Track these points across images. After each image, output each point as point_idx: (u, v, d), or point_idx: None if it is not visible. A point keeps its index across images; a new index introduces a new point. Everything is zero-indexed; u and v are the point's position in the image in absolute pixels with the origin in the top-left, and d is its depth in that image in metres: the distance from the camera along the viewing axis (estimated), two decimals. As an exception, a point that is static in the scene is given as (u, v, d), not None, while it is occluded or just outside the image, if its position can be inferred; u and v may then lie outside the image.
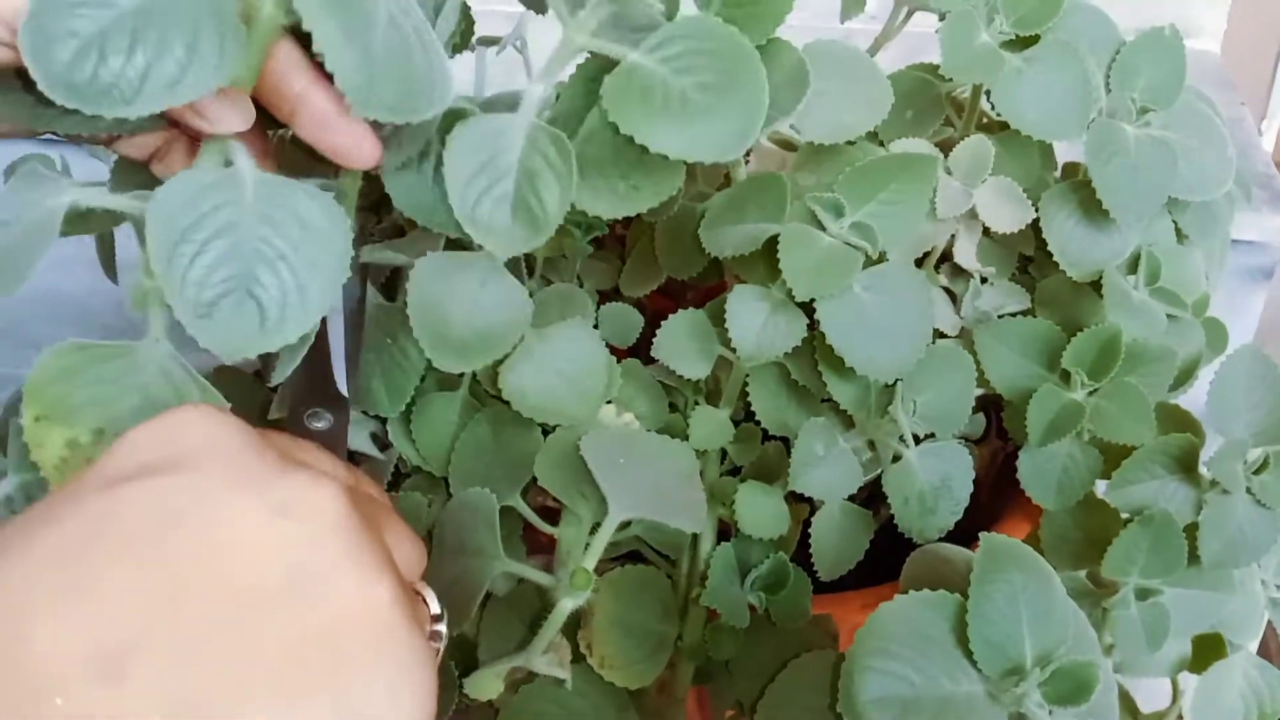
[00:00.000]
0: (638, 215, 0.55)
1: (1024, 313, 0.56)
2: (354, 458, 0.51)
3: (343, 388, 0.44)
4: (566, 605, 0.42)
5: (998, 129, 0.55)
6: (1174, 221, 0.57)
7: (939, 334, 0.55)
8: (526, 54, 0.64)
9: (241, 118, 0.35)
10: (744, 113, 0.36)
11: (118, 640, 0.26)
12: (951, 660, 0.41)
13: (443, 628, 0.35)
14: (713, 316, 0.49)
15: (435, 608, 0.35)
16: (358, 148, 0.36)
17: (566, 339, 0.47)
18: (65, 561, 0.27)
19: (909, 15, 0.62)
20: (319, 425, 0.44)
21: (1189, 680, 0.58)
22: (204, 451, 0.30)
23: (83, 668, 0.26)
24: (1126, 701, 0.62)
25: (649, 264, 0.57)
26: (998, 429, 0.59)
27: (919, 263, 0.53)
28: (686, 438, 0.51)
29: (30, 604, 0.26)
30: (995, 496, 0.59)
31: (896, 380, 0.47)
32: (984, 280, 0.55)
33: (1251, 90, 0.86)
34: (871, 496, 0.52)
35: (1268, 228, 0.73)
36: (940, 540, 0.52)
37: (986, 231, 0.53)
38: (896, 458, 0.49)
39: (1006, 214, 0.51)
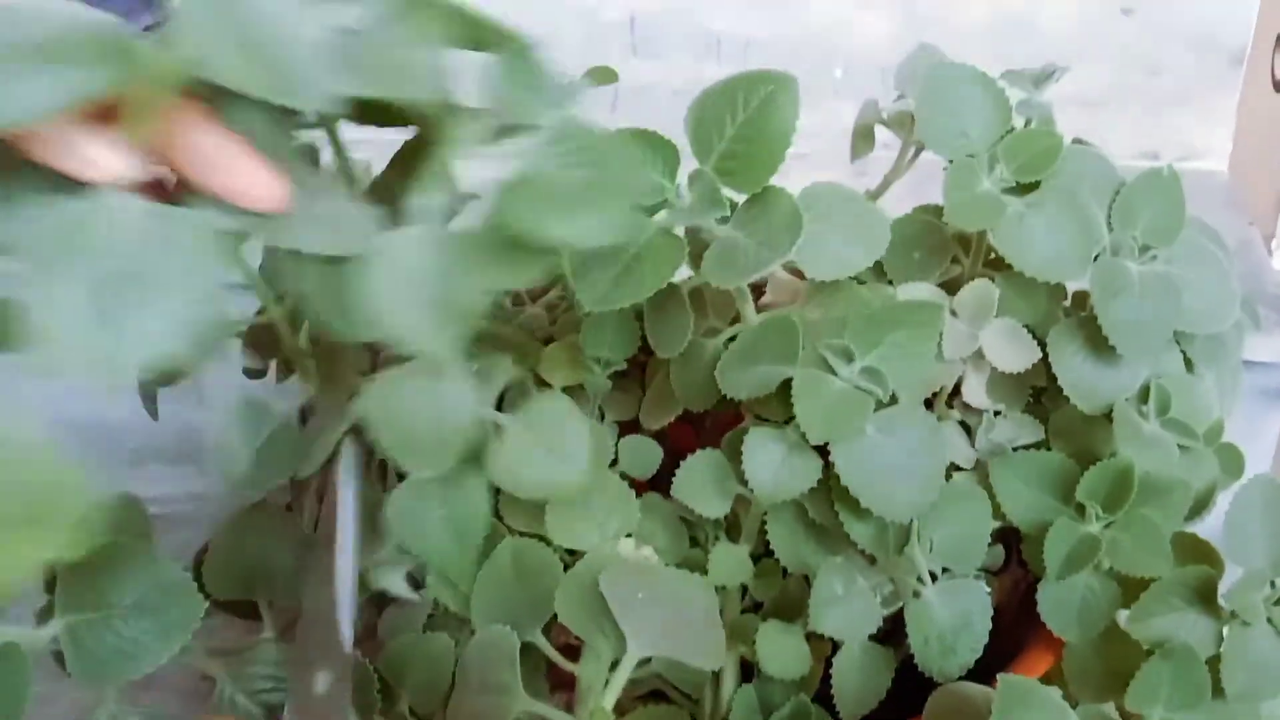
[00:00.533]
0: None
1: (1038, 444, 0.57)
2: (385, 600, 0.53)
3: (347, 645, 0.45)
4: (587, 748, 0.43)
5: (1004, 266, 0.57)
6: (1183, 351, 0.58)
7: (955, 467, 0.56)
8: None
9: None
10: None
11: None
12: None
13: None
14: (730, 454, 0.50)
15: None
16: (255, 188, 0.36)
17: (544, 415, 0.49)
18: None
19: (917, 153, 0.65)
20: (319, 690, 0.44)
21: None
22: None
23: None
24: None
25: (667, 396, 0.58)
26: (1018, 558, 0.59)
27: (931, 401, 0.54)
28: (706, 572, 0.52)
29: None
30: (1018, 625, 0.59)
31: (912, 519, 0.48)
32: (997, 413, 0.57)
33: (1259, 209, 0.88)
34: (892, 632, 0.52)
35: None
36: (965, 673, 0.52)
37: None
38: (915, 594, 0.50)
39: (1012, 355, 0.52)
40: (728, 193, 0.49)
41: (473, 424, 0.46)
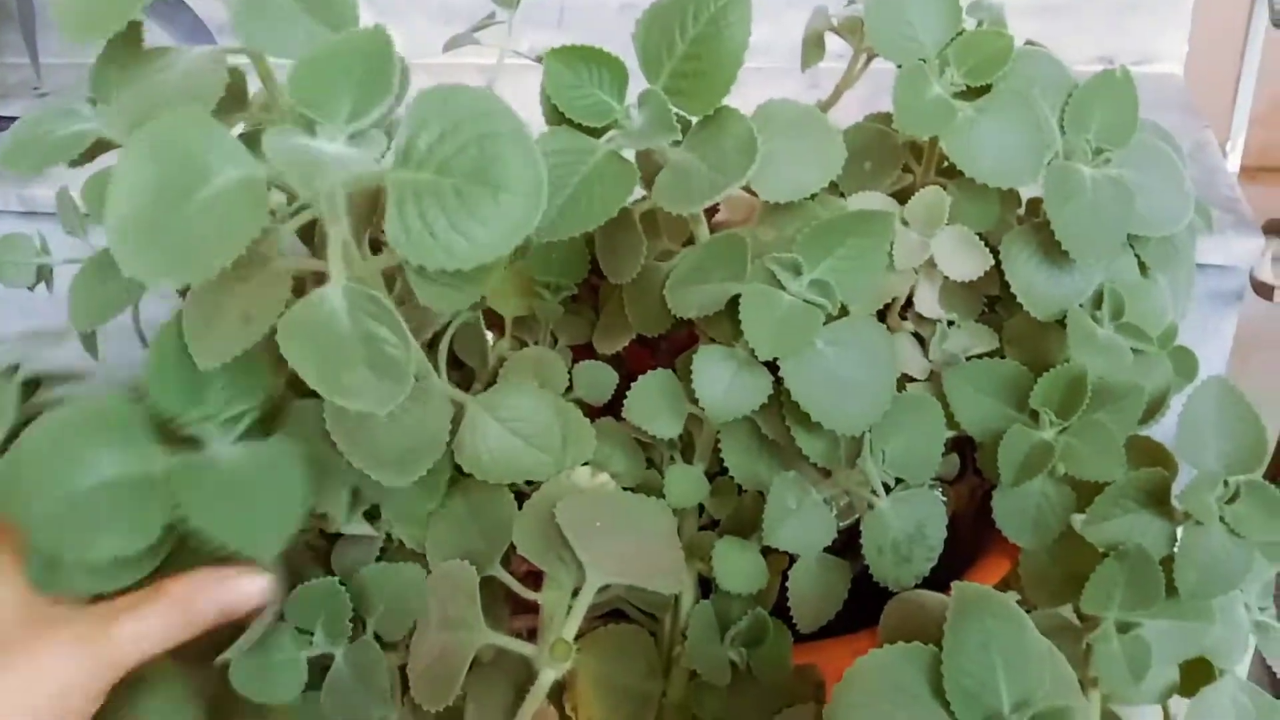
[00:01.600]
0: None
1: (993, 353, 0.56)
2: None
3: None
4: (548, 677, 0.43)
5: (956, 174, 0.56)
6: (1137, 255, 0.58)
7: (908, 378, 0.56)
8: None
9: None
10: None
11: None
12: (930, 711, 0.41)
13: None
14: (682, 374, 0.50)
15: None
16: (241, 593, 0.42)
17: (517, 398, 0.48)
18: None
19: (868, 60, 0.63)
20: None
21: (1180, 705, 0.58)
22: None
23: None
24: (1118, 727, 0.62)
25: (621, 320, 0.57)
26: (973, 466, 0.59)
27: (883, 312, 0.53)
28: (663, 494, 0.52)
29: None
30: (975, 533, 0.60)
31: (865, 432, 0.47)
32: (950, 323, 0.56)
33: (1214, 111, 0.87)
34: (847, 545, 0.52)
35: (1234, 252, 0.73)
36: (921, 582, 0.53)
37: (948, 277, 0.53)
38: (870, 506, 0.50)
39: (964, 262, 0.51)
40: (680, 112, 0.48)
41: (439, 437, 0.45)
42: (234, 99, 0.44)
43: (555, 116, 0.48)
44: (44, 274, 0.63)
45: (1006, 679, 0.42)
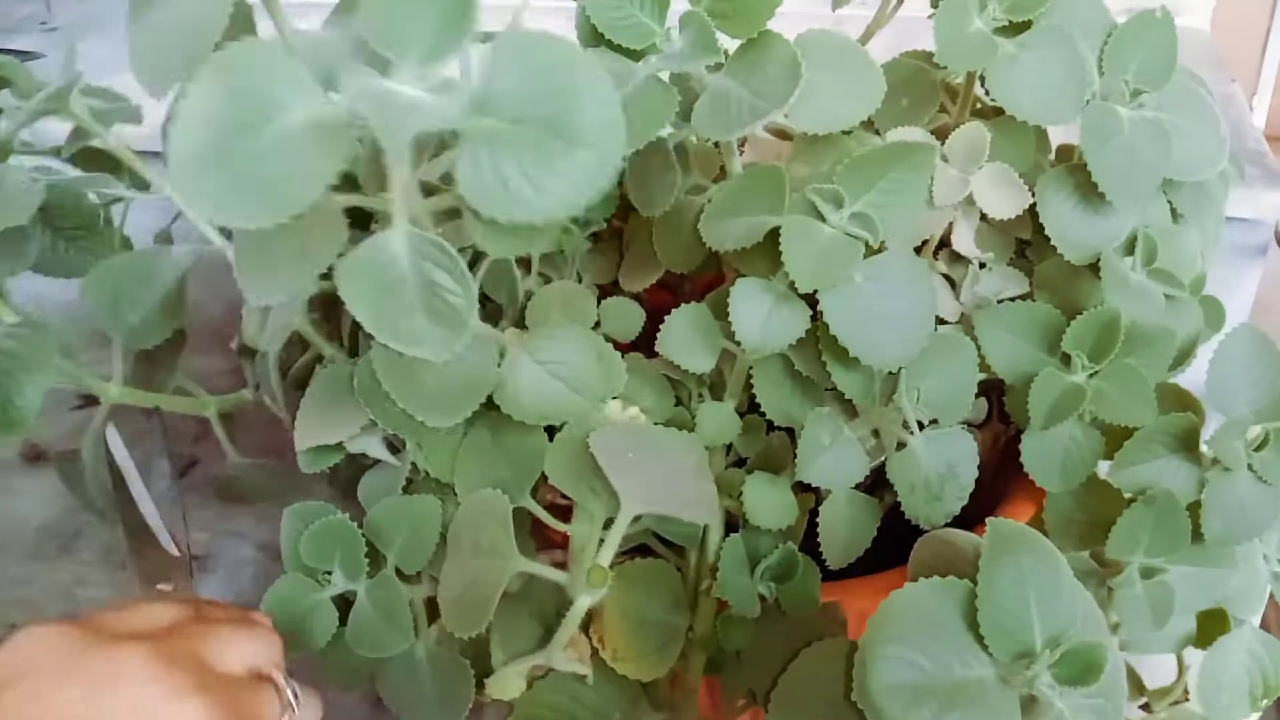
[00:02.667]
0: (634, 209, 0.55)
1: (1023, 296, 0.56)
2: (364, 462, 0.52)
3: (171, 548, 0.45)
4: (584, 603, 0.43)
5: (992, 114, 0.55)
6: (1169, 202, 0.57)
7: (939, 321, 0.55)
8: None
9: None
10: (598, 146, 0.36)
11: None
12: (963, 645, 0.41)
13: (308, 707, 0.43)
14: (715, 310, 0.49)
15: (288, 693, 0.42)
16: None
17: (557, 340, 0.47)
18: None
19: (900, 1, 0.63)
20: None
21: (1194, 656, 0.59)
22: (39, 659, 0.38)
23: None
24: (1132, 678, 0.62)
25: (648, 258, 0.57)
26: (999, 413, 0.59)
27: (918, 251, 0.53)
28: (693, 430, 0.51)
29: None
30: (998, 479, 0.60)
31: (900, 368, 0.47)
32: (982, 266, 0.56)
33: (1241, 66, 0.86)
34: (876, 483, 0.52)
35: (1261, 205, 0.73)
36: (946, 525, 0.52)
37: (984, 217, 0.53)
38: (901, 445, 0.49)
39: (1003, 200, 0.51)
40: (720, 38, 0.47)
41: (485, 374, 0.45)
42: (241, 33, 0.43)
43: (593, 37, 0.47)
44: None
45: (1039, 615, 0.42)
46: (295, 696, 0.42)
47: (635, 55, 0.46)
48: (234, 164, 0.33)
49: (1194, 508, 0.53)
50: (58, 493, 0.64)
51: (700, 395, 0.52)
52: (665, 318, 0.51)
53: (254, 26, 0.43)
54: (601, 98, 0.36)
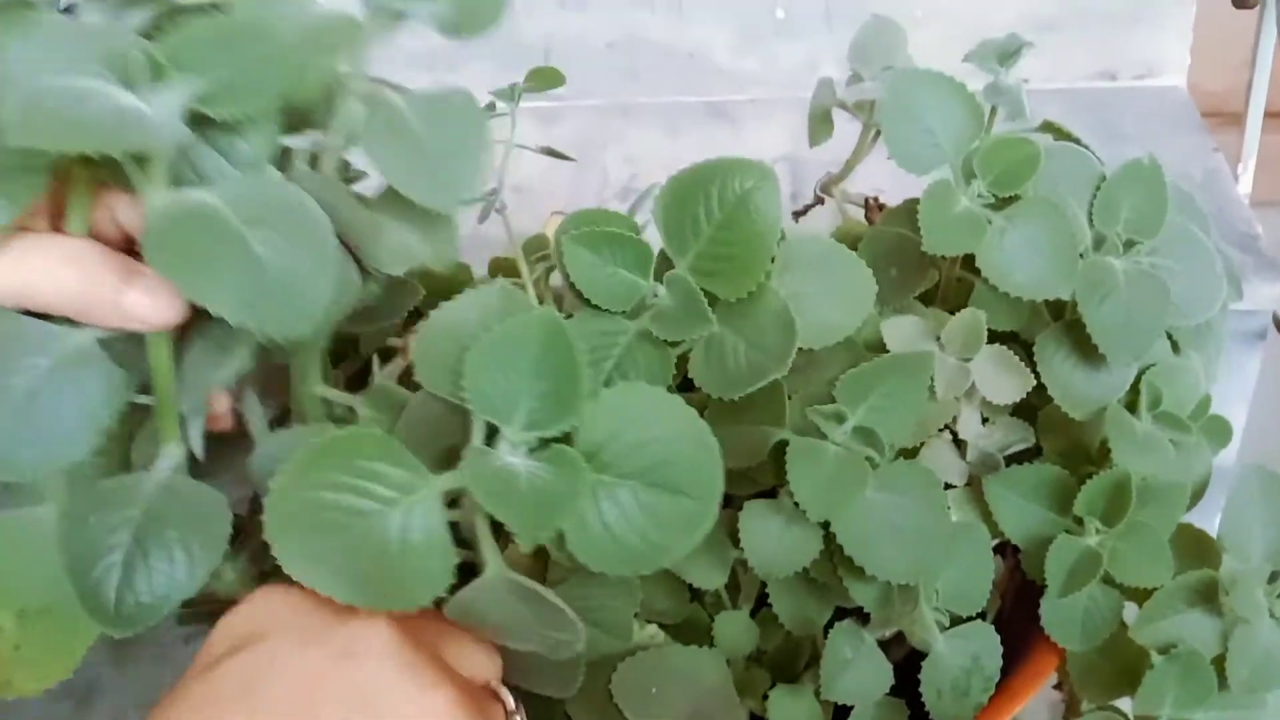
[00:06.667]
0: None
1: (1030, 450, 0.55)
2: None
3: None
4: None
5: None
6: (1169, 335, 0.57)
7: (947, 485, 0.55)
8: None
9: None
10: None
11: None
12: None
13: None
14: (724, 522, 0.49)
15: (510, 703, 0.41)
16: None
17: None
18: None
19: (877, 136, 0.62)
20: None
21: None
22: (278, 621, 0.37)
23: None
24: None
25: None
26: (1015, 560, 0.59)
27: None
28: (709, 629, 0.51)
29: None
30: (1020, 622, 0.59)
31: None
32: (984, 420, 0.55)
33: (1221, 121, 0.85)
34: (900, 672, 0.51)
35: (1258, 296, 0.72)
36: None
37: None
38: (925, 652, 0.49)
39: (1005, 385, 0.50)
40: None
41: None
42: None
43: (581, 299, 0.46)
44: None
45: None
46: (519, 713, 0.41)
47: (628, 315, 0.45)
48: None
49: (1219, 657, 0.52)
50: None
51: (717, 597, 0.51)
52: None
53: None
54: (699, 442, 0.37)
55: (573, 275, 0.43)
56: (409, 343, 0.59)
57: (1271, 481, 0.54)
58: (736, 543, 0.47)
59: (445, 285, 0.57)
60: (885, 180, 0.61)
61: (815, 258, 0.46)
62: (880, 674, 0.48)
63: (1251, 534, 0.53)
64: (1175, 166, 0.55)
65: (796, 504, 0.45)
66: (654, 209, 0.44)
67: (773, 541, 0.46)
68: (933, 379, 0.48)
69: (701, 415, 0.48)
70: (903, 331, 0.49)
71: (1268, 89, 0.78)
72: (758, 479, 0.48)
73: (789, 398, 0.46)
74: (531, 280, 0.60)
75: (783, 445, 0.45)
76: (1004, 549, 0.61)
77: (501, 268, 0.67)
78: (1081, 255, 0.52)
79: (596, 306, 0.43)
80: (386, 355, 0.57)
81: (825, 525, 0.46)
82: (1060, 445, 0.56)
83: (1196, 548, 0.55)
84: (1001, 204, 0.50)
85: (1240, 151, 0.79)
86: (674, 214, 0.43)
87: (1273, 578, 0.53)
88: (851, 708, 0.49)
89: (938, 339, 0.50)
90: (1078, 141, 0.57)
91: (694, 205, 0.43)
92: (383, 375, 0.52)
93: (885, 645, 0.51)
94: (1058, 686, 0.61)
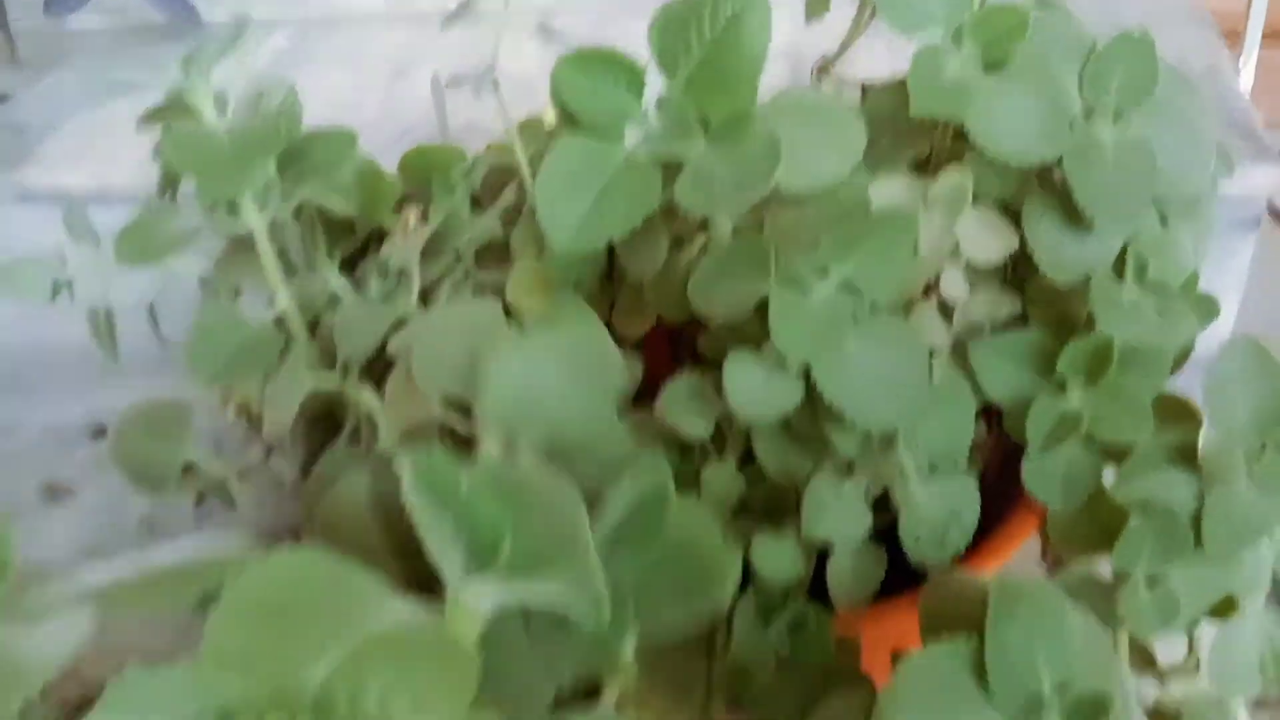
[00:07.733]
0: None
1: (1017, 317, 0.56)
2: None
3: None
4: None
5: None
6: (1158, 209, 0.57)
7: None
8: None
9: None
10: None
11: None
12: (975, 704, 0.43)
13: None
14: (711, 372, 0.50)
15: None
16: None
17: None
18: None
19: (874, 13, 0.62)
20: None
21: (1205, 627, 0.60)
22: None
23: None
24: (1145, 655, 0.64)
25: (641, 304, 0.57)
26: (998, 424, 0.60)
27: (908, 294, 0.53)
28: (697, 480, 0.52)
29: None
30: (1002, 485, 0.60)
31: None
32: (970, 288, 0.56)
33: (1224, 19, 0.85)
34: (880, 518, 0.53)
35: (1251, 182, 0.72)
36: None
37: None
38: (904, 500, 0.50)
39: (989, 244, 0.51)
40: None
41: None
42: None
43: (569, 121, 0.47)
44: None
45: (1047, 666, 0.43)
46: None
47: (616, 135, 0.46)
48: None
49: (1195, 515, 0.54)
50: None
51: (704, 450, 0.53)
52: (661, 361, 0.52)
53: None
54: None
55: (564, 96, 0.44)
56: (407, 219, 0.61)
57: (1258, 350, 0.54)
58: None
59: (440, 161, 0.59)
60: (883, 69, 0.61)
61: (807, 107, 0.47)
62: (858, 517, 0.50)
63: (1235, 402, 0.54)
64: (1177, 59, 0.55)
65: (780, 352, 0.46)
66: (648, 34, 0.45)
67: (756, 389, 0.47)
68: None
69: (685, 275, 0.50)
70: (890, 192, 0.50)
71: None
72: (745, 334, 0.49)
73: (775, 255, 0.47)
74: (526, 159, 0.61)
75: (767, 302, 0.47)
76: (990, 420, 0.63)
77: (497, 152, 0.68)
78: (1071, 125, 0.53)
79: (586, 129, 0.44)
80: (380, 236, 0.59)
81: (808, 378, 0.47)
82: (1047, 317, 0.57)
83: (1178, 413, 0.56)
84: (990, 68, 0.50)
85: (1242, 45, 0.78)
86: (667, 36, 0.44)
87: (1253, 444, 0.54)
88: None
89: (924, 200, 0.51)
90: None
91: (686, 28, 0.44)
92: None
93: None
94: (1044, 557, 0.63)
